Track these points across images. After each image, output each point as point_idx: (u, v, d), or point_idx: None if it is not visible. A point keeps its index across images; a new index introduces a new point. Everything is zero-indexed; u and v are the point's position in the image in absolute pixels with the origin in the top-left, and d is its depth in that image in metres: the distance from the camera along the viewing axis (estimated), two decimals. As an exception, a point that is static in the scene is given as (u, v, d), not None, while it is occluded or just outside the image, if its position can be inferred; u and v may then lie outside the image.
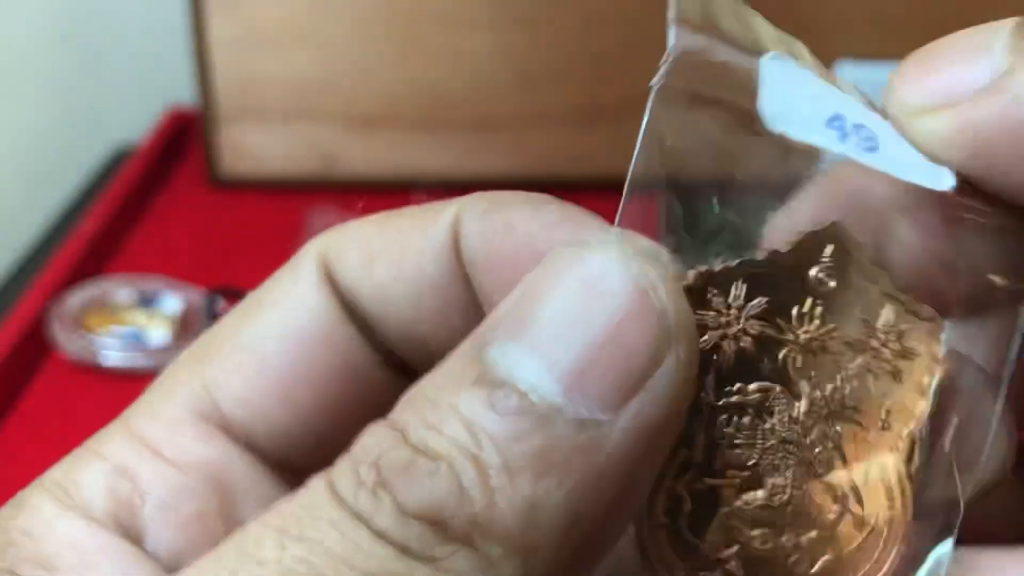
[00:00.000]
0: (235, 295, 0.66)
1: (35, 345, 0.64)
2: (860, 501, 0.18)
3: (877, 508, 0.18)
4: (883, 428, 0.18)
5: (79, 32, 0.95)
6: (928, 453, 0.18)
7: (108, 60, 0.96)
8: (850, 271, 0.18)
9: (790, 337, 0.18)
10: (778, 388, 0.18)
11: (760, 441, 0.18)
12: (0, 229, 0.88)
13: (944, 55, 0.18)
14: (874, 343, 0.18)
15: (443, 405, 0.15)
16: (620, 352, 0.15)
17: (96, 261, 0.73)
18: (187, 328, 0.66)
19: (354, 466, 0.15)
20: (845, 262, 0.18)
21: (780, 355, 0.18)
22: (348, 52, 0.82)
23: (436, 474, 0.15)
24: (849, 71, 0.83)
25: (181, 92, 0.91)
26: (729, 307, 0.18)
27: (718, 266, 0.18)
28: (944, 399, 0.18)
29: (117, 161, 0.89)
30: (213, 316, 0.65)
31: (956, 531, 0.18)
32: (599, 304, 0.15)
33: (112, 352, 0.63)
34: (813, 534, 0.18)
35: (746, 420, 0.18)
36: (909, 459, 0.18)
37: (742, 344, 0.18)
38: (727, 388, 0.18)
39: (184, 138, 0.91)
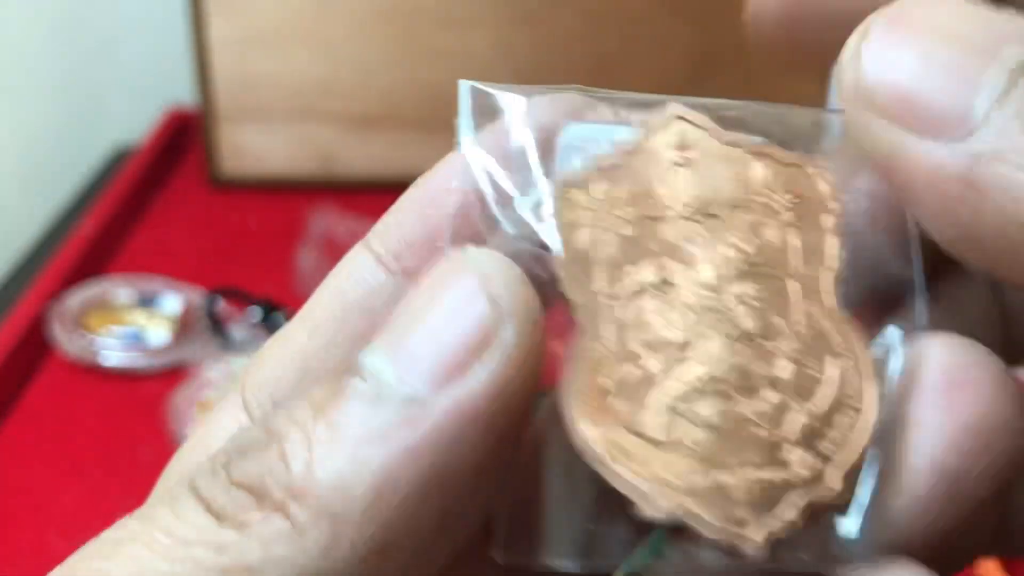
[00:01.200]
0: (235, 295, 0.66)
1: (35, 345, 0.64)
2: (809, 350, 0.17)
3: (828, 353, 0.17)
4: (800, 276, 0.18)
5: (79, 32, 0.95)
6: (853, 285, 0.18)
7: (108, 60, 0.96)
8: (707, 143, 0.18)
9: (668, 214, 0.18)
10: (672, 261, 0.17)
11: (673, 315, 0.17)
12: (0, 229, 0.88)
13: (926, 65, 0.16)
14: (759, 199, 0.18)
15: (304, 396, 0.16)
16: (450, 336, 0.16)
17: (96, 261, 0.73)
18: (187, 328, 0.66)
19: (216, 454, 0.16)
20: (698, 136, 0.18)
21: (665, 231, 0.18)
22: (348, 52, 0.82)
23: (268, 448, 0.16)
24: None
25: (181, 92, 0.91)
26: (596, 202, 0.18)
27: (572, 173, 0.18)
28: (848, 236, 0.18)
29: (117, 161, 0.89)
30: (213, 316, 0.65)
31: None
32: (441, 295, 0.16)
33: (112, 352, 0.63)
34: (772, 396, 0.17)
35: (651, 300, 0.17)
36: (836, 297, 0.18)
37: (621, 232, 0.17)
38: (620, 276, 0.17)
39: (184, 138, 0.91)
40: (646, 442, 0.16)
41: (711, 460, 0.16)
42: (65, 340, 0.64)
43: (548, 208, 0.18)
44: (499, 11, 0.81)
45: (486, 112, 0.18)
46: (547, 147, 0.18)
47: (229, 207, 0.83)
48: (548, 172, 0.18)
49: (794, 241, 0.18)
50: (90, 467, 0.57)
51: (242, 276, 0.69)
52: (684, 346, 0.17)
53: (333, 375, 0.16)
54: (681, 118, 0.18)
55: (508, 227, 0.18)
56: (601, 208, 0.18)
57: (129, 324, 0.66)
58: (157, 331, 0.65)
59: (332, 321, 0.19)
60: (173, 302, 0.68)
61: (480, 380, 0.15)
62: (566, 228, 0.17)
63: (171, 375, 0.63)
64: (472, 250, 0.17)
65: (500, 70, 0.81)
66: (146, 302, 0.68)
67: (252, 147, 0.84)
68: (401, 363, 0.16)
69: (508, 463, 0.16)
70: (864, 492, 0.17)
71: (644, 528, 0.16)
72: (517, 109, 0.18)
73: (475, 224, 0.18)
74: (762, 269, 0.17)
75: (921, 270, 0.18)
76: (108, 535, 0.16)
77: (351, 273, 0.19)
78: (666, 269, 0.17)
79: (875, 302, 0.18)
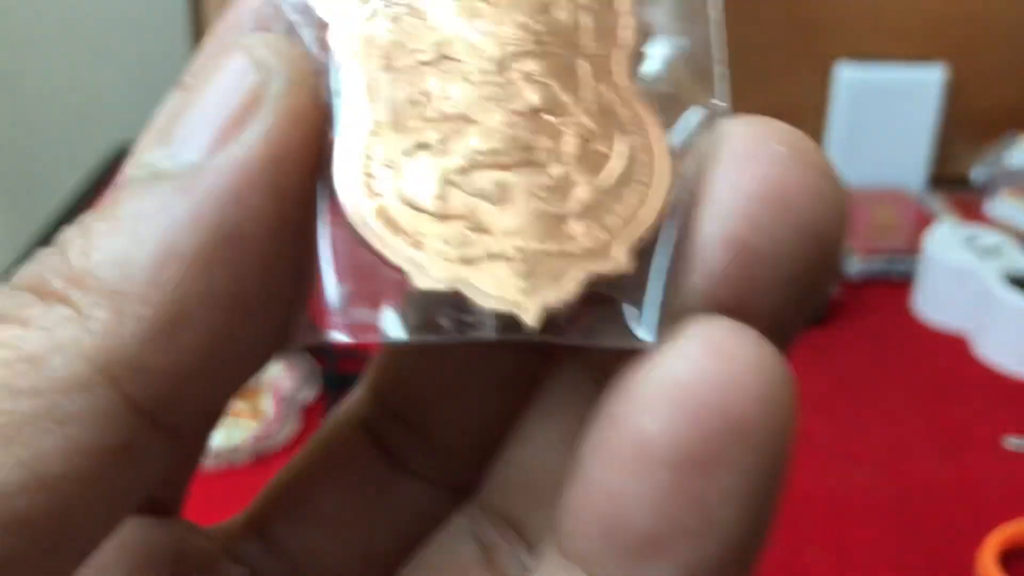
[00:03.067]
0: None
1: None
2: (597, 126, 0.17)
3: (619, 130, 0.17)
4: (591, 55, 0.17)
5: (79, 31, 0.95)
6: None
7: (108, 60, 0.96)
8: None
9: None
10: (457, 37, 0.17)
11: (453, 89, 0.17)
12: (0, 229, 0.88)
13: None
14: None
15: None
16: (218, 106, 0.15)
17: (96, 261, 0.73)
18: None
19: None
20: None
21: (449, 8, 0.17)
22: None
23: (49, 249, 0.15)
24: (847, 71, 0.83)
25: (181, 92, 0.91)
26: None
27: None
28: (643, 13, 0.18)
29: (117, 161, 0.89)
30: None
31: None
32: (208, 76, 0.16)
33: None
34: (555, 169, 0.16)
35: (434, 77, 0.17)
36: (631, 77, 0.17)
37: (399, 11, 0.17)
38: (400, 54, 0.17)
39: (184, 138, 0.91)
40: (421, 213, 0.16)
41: (487, 232, 0.16)
42: (65, 340, 0.64)
43: None
44: (499, 11, 0.81)
45: None
46: None
47: (229, 207, 0.83)
48: None
49: (586, 21, 0.17)
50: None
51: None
52: (464, 120, 0.16)
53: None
54: None
55: (292, 18, 0.17)
56: None
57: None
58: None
59: None
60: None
61: (253, 133, 0.15)
62: (342, 11, 0.17)
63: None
64: (243, 36, 0.16)
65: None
66: (146, 302, 0.68)
67: (252, 147, 0.84)
68: (173, 144, 0.15)
69: (298, 234, 0.16)
70: (652, 270, 0.16)
71: (421, 301, 0.16)
72: None
73: (262, 25, 0.17)
74: (550, 48, 0.17)
75: (722, 50, 0.18)
76: None
77: None
78: (449, 46, 0.17)
79: (676, 88, 0.18)
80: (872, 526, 0.55)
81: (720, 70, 0.17)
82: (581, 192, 0.16)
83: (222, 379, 0.16)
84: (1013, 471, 0.58)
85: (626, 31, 0.18)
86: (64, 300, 0.14)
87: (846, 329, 0.70)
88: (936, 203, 0.83)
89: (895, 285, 0.75)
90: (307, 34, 0.17)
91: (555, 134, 0.16)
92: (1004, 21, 0.84)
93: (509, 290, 0.16)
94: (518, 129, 0.16)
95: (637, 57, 0.17)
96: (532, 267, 0.16)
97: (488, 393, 0.19)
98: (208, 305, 0.15)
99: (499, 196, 0.16)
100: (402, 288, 0.16)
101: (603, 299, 0.16)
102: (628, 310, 0.16)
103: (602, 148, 0.17)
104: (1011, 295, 0.66)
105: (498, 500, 0.19)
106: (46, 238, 0.79)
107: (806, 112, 0.84)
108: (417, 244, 0.16)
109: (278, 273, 0.16)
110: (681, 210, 0.16)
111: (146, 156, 0.16)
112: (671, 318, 0.16)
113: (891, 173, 0.85)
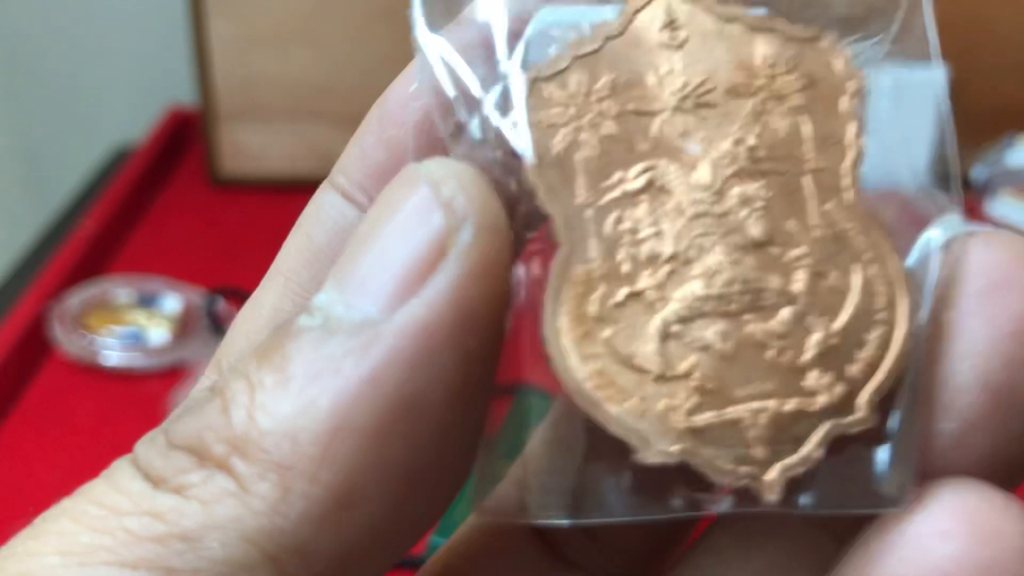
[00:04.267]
0: (235, 295, 0.66)
1: (35, 345, 0.64)
2: (828, 257, 0.15)
3: (853, 259, 0.15)
4: (815, 169, 0.15)
5: (79, 31, 0.95)
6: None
7: (108, 60, 0.96)
8: (699, 19, 0.16)
9: (656, 106, 0.15)
10: (664, 161, 0.15)
11: (667, 225, 0.15)
12: (0, 228, 0.88)
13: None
14: (760, 82, 0.15)
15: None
16: (401, 252, 0.14)
17: (96, 261, 0.73)
18: (187, 328, 0.66)
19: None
20: (690, 13, 0.16)
21: (654, 127, 0.15)
22: (348, 52, 0.82)
23: (208, 403, 0.14)
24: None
25: (181, 92, 0.91)
26: (573, 97, 0.15)
27: (544, 64, 0.15)
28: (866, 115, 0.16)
29: (117, 161, 0.89)
30: (213, 315, 0.65)
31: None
32: (391, 213, 0.14)
33: (112, 352, 0.63)
34: (786, 313, 0.15)
35: (642, 209, 0.15)
36: (858, 192, 0.15)
37: (604, 131, 0.15)
38: (604, 184, 0.15)
39: (184, 138, 0.91)
40: (642, 375, 0.14)
41: (717, 392, 0.14)
42: (65, 340, 0.64)
43: (518, 107, 0.15)
44: (499, 11, 0.81)
45: (452, 8, 0.16)
46: (518, 36, 0.16)
47: (229, 207, 0.83)
48: (518, 64, 0.16)
49: (805, 129, 0.16)
50: (90, 466, 0.56)
51: (242, 276, 0.69)
52: (681, 260, 0.15)
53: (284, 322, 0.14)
54: None
55: (475, 133, 0.15)
56: (579, 103, 0.15)
57: (129, 324, 0.65)
58: (157, 331, 0.65)
59: (302, 269, 0.17)
60: (173, 302, 0.68)
61: (439, 290, 0.13)
62: (538, 129, 0.15)
63: (171, 375, 0.63)
64: (426, 162, 0.14)
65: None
66: (146, 302, 0.68)
67: (252, 147, 0.84)
68: (349, 289, 0.14)
69: (487, 394, 0.14)
70: (897, 419, 0.14)
71: (647, 475, 0.14)
72: None
73: (437, 135, 0.16)
74: (769, 164, 0.15)
75: (957, 165, 0.16)
76: (43, 514, 0.14)
77: (317, 214, 0.17)
78: (657, 171, 0.15)
79: (903, 201, 0.16)
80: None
81: (955, 174, 0.16)
82: (817, 338, 0.15)
83: (388, 554, 0.14)
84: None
85: (851, 137, 0.16)
86: (226, 468, 0.13)
87: (846, 329, 0.70)
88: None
89: (895, 285, 0.74)
90: (488, 152, 0.15)
91: (784, 270, 0.15)
92: (1005, 21, 0.84)
93: (746, 460, 0.14)
94: (742, 269, 0.15)
95: (862, 166, 0.16)
96: (769, 432, 0.14)
97: None
98: (381, 481, 0.13)
99: (727, 349, 0.15)
100: (625, 459, 0.14)
101: (844, 451, 0.14)
102: (874, 468, 0.15)
103: (837, 283, 0.15)
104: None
105: None
106: (47, 238, 0.79)
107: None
108: (640, 411, 0.14)
109: (458, 440, 0.14)
110: (924, 349, 0.14)
111: (322, 298, 0.14)
112: (920, 474, 0.14)
113: (891, 173, 0.85)
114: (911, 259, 0.15)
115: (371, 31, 0.82)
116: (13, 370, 0.62)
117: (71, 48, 0.95)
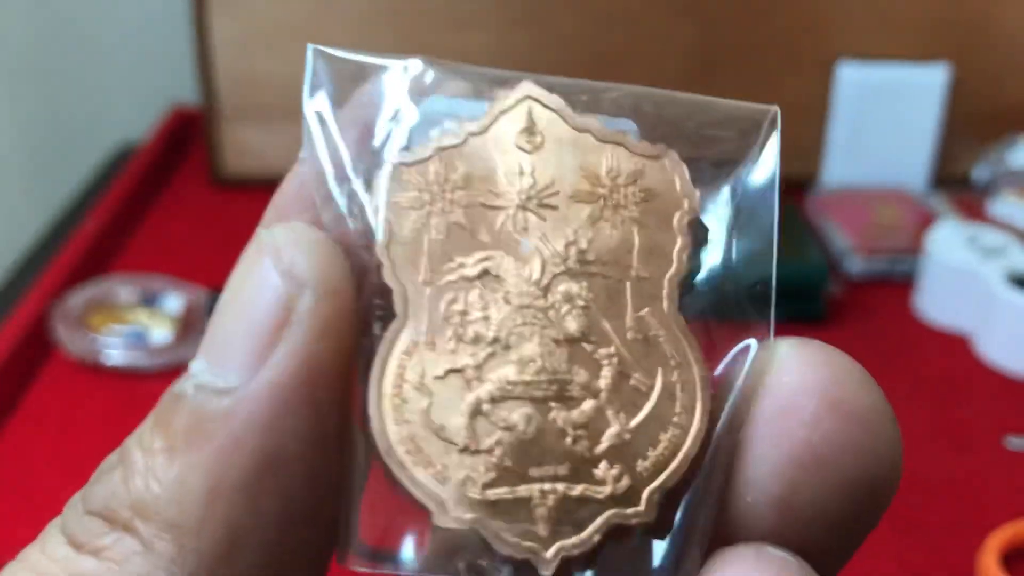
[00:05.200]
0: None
1: (37, 344, 0.64)
2: (636, 359, 0.16)
3: (659, 363, 0.16)
4: (638, 277, 0.17)
5: (81, 31, 0.95)
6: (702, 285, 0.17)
7: (110, 59, 0.96)
8: (556, 127, 0.17)
9: (503, 202, 0.17)
10: (501, 253, 0.16)
11: (494, 311, 0.16)
12: (2, 228, 0.89)
13: None
14: (602, 191, 0.17)
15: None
16: (247, 316, 0.15)
17: (98, 260, 0.73)
18: (189, 327, 0.66)
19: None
20: (549, 120, 0.17)
21: (498, 221, 0.17)
22: (350, 52, 0.82)
23: (114, 470, 0.16)
24: (849, 71, 0.83)
25: (184, 91, 0.92)
26: (429, 185, 0.17)
27: (410, 151, 0.17)
28: (698, 233, 0.17)
29: (120, 160, 0.90)
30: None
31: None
32: (242, 281, 0.16)
33: (114, 351, 0.63)
34: (588, 405, 0.16)
35: (475, 294, 0.16)
36: (677, 303, 0.17)
37: (452, 219, 0.16)
38: (445, 266, 0.16)
39: (186, 137, 0.91)
40: (448, 445, 0.16)
41: (513, 470, 0.16)
42: (68, 339, 0.64)
43: (380, 188, 0.17)
44: (499, 11, 0.81)
45: (355, 79, 0.17)
46: (396, 121, 0.17)
47: (232, 206, 0.83)
48: (388, 148, 0.17)
49: (636, 239, 0.17)
50: (93, 466, 0.57)
51: (244, 275, 0.69)
52: (501, 345, 0.16)
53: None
54: (531, 98, 0.17)
55: (341, 205, 0.17)
56: (434, 191, 0.17)
57: (132, 323, 0.66)
58: (160, 330, 0.65)
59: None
60: (175, 301, 0.68)
61: (286, 353, 0.15)
62: (394, 209, 0.16)
63: (174, 374, 0.62)
64: (273, 227, 0.16)
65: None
66: (149, 301, 0.68)
67: (255, 146, 0.84)
68: (213, 358, 0.15)
69: (346, 439, 0.16)
70: (680, 518, 0.16)
71: (442, 537, 0.16)
72: (376, 78, 0.17)
73: (311, 204, 0.17)
74: (596, 268, 0.17)
75: (774, 284, 0.17)
76: None
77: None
78: (493, 262, 0.16)
79: (724, 313, 0.18)
80: (873, 526, 0.55)
81: (772, 297, 0.17)
82: (613, 432, 0.16)
83: None
84: (1014, 471, 0.58)
85: (678, 252, 0.17)
86: (132, 530, 0.15)
87: (847, 329, 0.70)
88: (938, 203, 0.83)
89: (897, 285, 0.75)
90: (349, 224, 0.17)
91: (593, 366, 0.16)
92: (1007, 21, 0.84)
93: (528, 536, 0.15)
94: (553, 360, 0.16)
95: (687, 281, 0.17)
96: (554, 513, 0.16)
97: None
98: (260, 528, 0.15)
99: (529, 432, 0.16)
100: (426, 521, 0.16)
101: (628, 541, 0.16)
102: (653, 560, 0.16)
103: (640, 383, 0.16)
104: (1013, 295, 0.66)
105: None
106: (49, 237, 0.80)
107: (807, 112, 0.84)
108: (442, 478, 0.16)
109: (325, 481, 0.16)
110: (718, 456, 0.16)
111: (195, 366, 0.16)
112: (690, 566, 0.16)
113: (893, 173, 0.85)
114: (719, 369, 0.17)
115: (371, 31, 0.82)
116: (15, 369, 0.62)
117: (74, 47, 0.95)
